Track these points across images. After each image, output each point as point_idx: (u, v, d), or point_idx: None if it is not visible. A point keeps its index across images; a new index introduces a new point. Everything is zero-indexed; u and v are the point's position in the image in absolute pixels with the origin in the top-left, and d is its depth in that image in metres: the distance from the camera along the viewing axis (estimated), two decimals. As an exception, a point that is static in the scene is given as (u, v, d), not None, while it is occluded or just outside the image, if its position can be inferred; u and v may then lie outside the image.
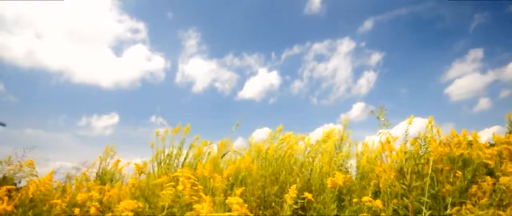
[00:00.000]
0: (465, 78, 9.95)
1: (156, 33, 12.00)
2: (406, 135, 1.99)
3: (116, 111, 9.52)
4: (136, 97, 11.26)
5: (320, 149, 2.17)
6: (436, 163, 1.91)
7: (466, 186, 1.82)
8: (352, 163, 2.67)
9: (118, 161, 3.10)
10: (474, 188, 1.78)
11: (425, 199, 1.76)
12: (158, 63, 11.79)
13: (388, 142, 2.24)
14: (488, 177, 1.70)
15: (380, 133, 2.24)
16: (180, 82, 11.39)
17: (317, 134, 2.30)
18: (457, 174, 1.88)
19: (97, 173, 3.12)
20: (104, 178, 3.02)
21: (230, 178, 2.06)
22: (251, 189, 1.93)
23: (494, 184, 1.68)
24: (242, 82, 11.62)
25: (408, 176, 1.94)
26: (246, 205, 1.12)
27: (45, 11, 11.37)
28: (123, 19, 11.32)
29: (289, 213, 1.47)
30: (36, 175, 2.19)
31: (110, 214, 1.74)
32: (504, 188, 1.55)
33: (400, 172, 2.01)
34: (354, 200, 1.82)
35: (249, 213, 1.08)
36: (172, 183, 1.46)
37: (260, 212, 1.99)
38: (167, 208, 1.53)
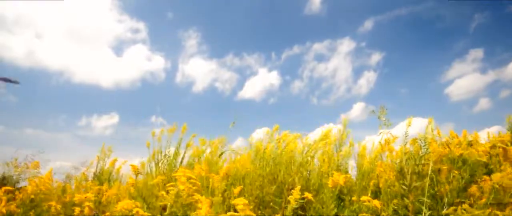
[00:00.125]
0: (465, 78, 9.92)
1: (156, 33, 12.00)
2: (406, 136, 1.98)
3: (116, 111, 9.52)
4: (136, 97, 11.27)
5: (320, 151, 2.16)
6: (436, 164, 1.91)
7: (463, 186, 1.81)
8: (352, 163, 2.66)
9: (115, 160, 3.10)
10: (473, 187, 1.77)
11: (425, 199, 1.75)
12: (158, 63, 11.78)
13: (388, 142, 2.23)
14: (487, 176, 1.69)
15: (380, 133, 2.24)
16: (180, 82, 11.39)
17: (317, 134, 2.30)
18: (454, 174, 1.87)
19: (94, 173, 3.12)
20: (101, 178, 3.02)
21: (229, 178, 2.05)
22: (250, 189, 1.92)
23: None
24: (242, 82, 11.61)
25: (408, 177, 1.93)
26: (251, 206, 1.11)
27: (45, 11, 11.37)
28: (123, 19, 11.33)
29: (290, 213, 1.46)
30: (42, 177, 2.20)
31: (108, 213, 1.74)
32: (497, 186, 1.54)
33: (400, 173, 2.00)
34: (353, 198, 1.81)
35: (253, 214, 1.08)
36: (173, 183, 1.46)
37: (259, 212, 1.98)
38: (169, 208, 1.53)
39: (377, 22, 11.07)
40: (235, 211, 1.04)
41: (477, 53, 9.77)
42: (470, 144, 2.30)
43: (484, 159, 1.81)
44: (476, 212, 1.40)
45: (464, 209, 1.34)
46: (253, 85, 11.40)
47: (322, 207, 1.77)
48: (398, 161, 2.08)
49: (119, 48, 11.89)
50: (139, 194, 1.75)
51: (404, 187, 1.91)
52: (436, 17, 10.92)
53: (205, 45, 11.83)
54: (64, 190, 2.58)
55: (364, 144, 2.68)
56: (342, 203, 2.07)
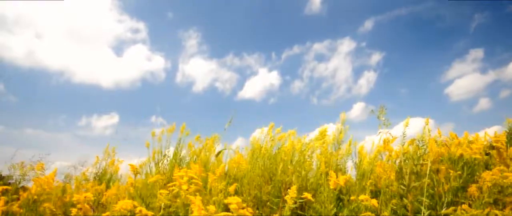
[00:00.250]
0: (465, 78, 9.87)
1: (156, 33, 12.04)
2: (404, 137, 1.98)
3: (116, 111, 9.54)
4: (136, 97, 11.29)
5: (318, 150, 2.15)
6: (434, 164, 1.90)
7: (462, 185, 1.80)
8: (351, 163, 2.65)
9: (114, 160, 3.11)
10: (473, 187, 1.76)
11: (424, 199, 1.75)
12: (158, 63, 11.82)
13: (387, 142, 2.23)
14: (484, 175, 1.69)
15: (380, 132, 2.24)
16: (180, 82, 11.41)
17: (316, 134, 2.29)
18: (451, 173, 1.86)
19: (96, 173, 3.14)
20: (103, 178, 3.04)
21: (227, 178, 2.06)
22: (248, 189, 1.92)
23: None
24: (242, 82, 11.62)
25: (407, 177, 1.93)
26: (245, 205, 1.11)
27: (45, 11, 11.44)
28: (123, 19, 11.38)
29: (288, 213, 1.46)
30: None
31: (108, 213, 1.74)
32: (490, 184, 1.54)
33: (399, 173, 2.00)
34: (352, 197, 1.81)
35: (247, 213, 1.07)
36: (173, 183, 1.47)
37: (258, 211, 1.98)
38: (169, 207, 1.54)
39: (377, 22, 11.06)
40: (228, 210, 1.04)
41: (477, 53, 9.73)
42: (470, 143, 2.29)
43: (478, 156, 1.81)
44: (475, 212, 1.39)
45: (463, 209, 1.34)
46: (253, 85, 11.41)
47: (322, 207, 1.77)
48: (397, 161, 2.08)
49: (119, 48, 11.96)
50: (138, 194, 1.76)
51: (402, 187, 1.91)
52: (436, 17, 10.90)
53: (205, 45, 11.86)
54: (64, 190, 2.60)
55: (362, 144, 2.67)
56: (340, 203, 2.07)
